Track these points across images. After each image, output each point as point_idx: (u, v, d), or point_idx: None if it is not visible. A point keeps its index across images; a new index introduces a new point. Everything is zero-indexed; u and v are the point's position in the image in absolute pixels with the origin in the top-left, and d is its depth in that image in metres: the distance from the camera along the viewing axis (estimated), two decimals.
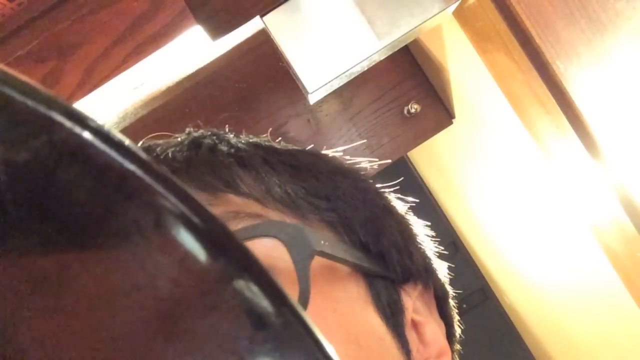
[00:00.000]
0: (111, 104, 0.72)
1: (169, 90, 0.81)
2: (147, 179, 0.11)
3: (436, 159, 1.14)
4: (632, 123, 0.52)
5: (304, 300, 0.25)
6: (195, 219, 0.11)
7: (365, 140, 0.85)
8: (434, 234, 0.39)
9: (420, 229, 0.37)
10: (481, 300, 1.29)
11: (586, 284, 0.78)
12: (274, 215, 0.30)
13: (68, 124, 0.11)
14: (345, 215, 0.32)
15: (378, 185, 0.37)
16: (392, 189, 0.38)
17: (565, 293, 0.88)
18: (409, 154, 1.23)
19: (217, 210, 0.29)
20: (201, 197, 0.29)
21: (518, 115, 0.64)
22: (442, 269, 0.38)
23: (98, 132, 0.11)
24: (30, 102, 0.10)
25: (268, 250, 0.27)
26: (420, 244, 0.37)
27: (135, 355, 0.12)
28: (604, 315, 0.78)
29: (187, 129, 0.35)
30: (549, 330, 1.11)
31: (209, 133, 0.34)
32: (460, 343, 0.40)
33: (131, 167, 0.11)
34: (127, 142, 0.11)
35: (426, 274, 0.35)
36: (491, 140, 0.81)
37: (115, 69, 0.60)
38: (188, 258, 0.11)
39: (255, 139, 0.35)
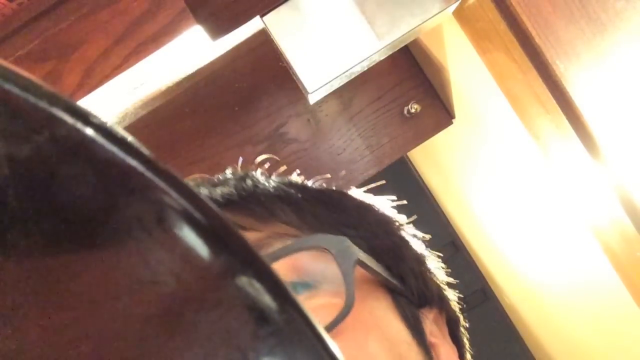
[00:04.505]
0: (111, 104, 0.72)
1: (169, 90, 0.81)
2: (150, 174, 0.11)
3: (436, 159, 1.14)
4: (632, 123, 0.52)
5: (350, 303, 0.29)
6: (198, 215, 0.11)
7: (363, 140, 0.85)
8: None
9: (434, 262, 0.41)
10: (481, 300, 1.29)
11: (586, 284, 0.78)
12: None
13: (70, 119, 0.11)
14: (371, 242, 0.36)
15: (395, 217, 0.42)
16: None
17: (565, 293, 0.88)
18: (409, 154, 1.23)
19: (264, 232, 0.34)
20: (249, 222, 0.34)
21: (518, 115, 0.64)
22: (453, 298, 0.43)
23: (100, 128, 0.11)
24: (32, 98, 0.10)
25: (315, 260, 0.32)
26: (433, 274, 0.41)
27: (139, 351, 0.11)
28: (604, 315, 0.78)
29: (227, 170, 0.41)
30: (549, 330, 1.11)
31: (248, 173, 0.40)
32: None
33: (133, 163, 0.11)
34: (129, 138, 0.11)
35: (440, 301, 0.39)
36: (491, 140, 0.81)
37: (115, 69, 0.60)
38: (190, 254, 0.11)
39: (287, 179, 0.40)
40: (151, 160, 0.11)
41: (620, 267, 0.62)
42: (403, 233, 0.40)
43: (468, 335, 0.43)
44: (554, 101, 0.53)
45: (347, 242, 0.31)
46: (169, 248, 0.11)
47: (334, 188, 0.41)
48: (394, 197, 0.42)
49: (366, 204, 0.40)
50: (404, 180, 1.28)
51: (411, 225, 0.42)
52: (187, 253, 0.11)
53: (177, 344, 0.11)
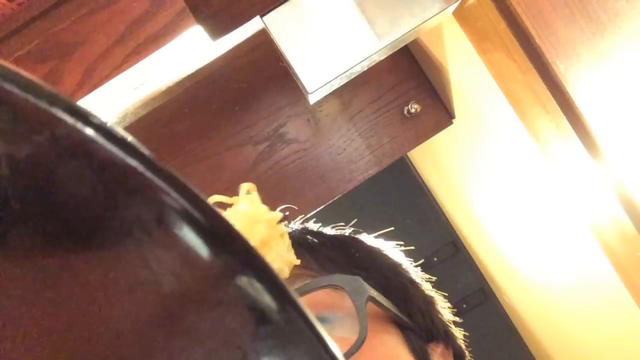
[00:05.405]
0: (111, 104, 0.72)
1: (169, 90, 0.80)
2: (149, 174, 0.11)
3: (436, 159, 1.14)
4: (632, 123, 0.52)
5: (363, 335, 0.32)
6: (198, 215, 0.11)
7: (363, 140, 0.85)
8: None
9: (440, 302, 0.45)
10: (481, 300, 1.29)
11: (586, 284, 0.78)
12: None
13: (70, 120, 0.11)
14: (381, 283, 0.40)
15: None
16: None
17: (565, 293, 0.88)
18: (409, 154, 1.23)
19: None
20: None
21: (518, 115, 0.64)
22: (459, 335, 0.46)
23: (100, 128, 0.11)
24: (32, 98, 0.10)
25: (331, 297, 0.36)
26: (440, 313, 0.45)
27: (139, 350, 0.11)
28: (604, 315, 0.78)
29: None
30: (549, 330, 1.11)
31: None
32: None
33: (133, 163, 0.11)
34: (129, 138, 0.11)
35: (446, 337, 0.43)
36: (491, 140, 0.81)
37: (115, 69, 0.60)
38: (190, 254, 0.11)
39: (305, 226, 0.44)
40: (151, 160, 0.11)
41: (620, 267, 0.62)
42: (411, 275, 0.44)
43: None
44: (554, 101, 0.53)
45: (360, 280, 0.35)
46: (169, 248, 0.11)
47: (346, 234, 0.45)
48: (396, 241, 0.46)
49: (376, 249, 0.44)
50: (404, 180, 1.27)
51: (419, 268, 0.46)
52: (187, 253, 0.11)
53: (178, 343, 0.11)
